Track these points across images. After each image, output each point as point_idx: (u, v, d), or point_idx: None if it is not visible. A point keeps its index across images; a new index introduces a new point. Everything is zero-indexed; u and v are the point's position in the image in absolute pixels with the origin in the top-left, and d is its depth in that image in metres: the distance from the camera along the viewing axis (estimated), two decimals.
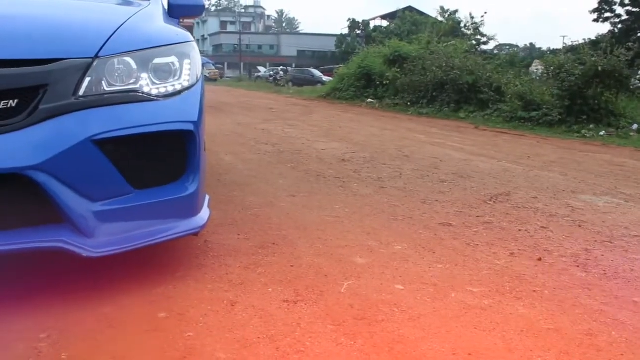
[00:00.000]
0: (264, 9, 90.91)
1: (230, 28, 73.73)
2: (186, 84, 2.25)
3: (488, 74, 12.78)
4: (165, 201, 2.14)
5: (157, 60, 2.20)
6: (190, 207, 2.23)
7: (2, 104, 1.88)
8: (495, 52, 24.64)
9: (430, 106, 13.12)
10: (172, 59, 2.26)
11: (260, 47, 70.54)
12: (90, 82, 2.01)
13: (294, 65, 49.88)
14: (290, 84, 31.79)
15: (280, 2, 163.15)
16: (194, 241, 2.61)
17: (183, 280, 2.22)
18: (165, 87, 2.19)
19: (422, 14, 47.83)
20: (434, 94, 13.34)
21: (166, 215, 2.16)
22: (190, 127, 2.18)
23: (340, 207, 3.51)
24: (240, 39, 62.28)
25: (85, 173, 1.95)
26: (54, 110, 1.92)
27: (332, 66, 39.32)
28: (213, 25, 72.24)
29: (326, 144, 6.54)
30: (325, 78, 32.44)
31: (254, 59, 62.68)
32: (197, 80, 2.33)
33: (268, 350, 1.73)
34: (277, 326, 1.88)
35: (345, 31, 53.29)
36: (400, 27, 43.96)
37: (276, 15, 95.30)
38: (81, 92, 1.98)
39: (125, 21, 2.31)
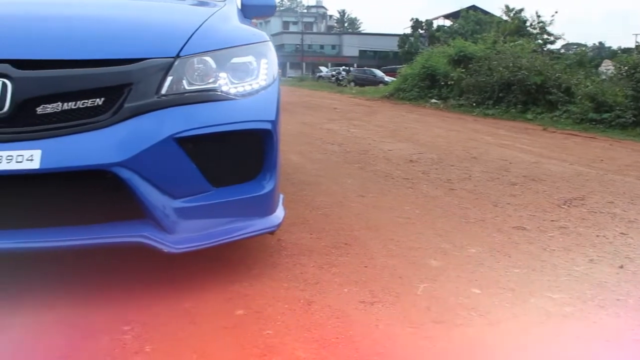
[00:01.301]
0: (326, 9, 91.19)
1: (292, 28, 74.28)
2: (263, 83, 2.26)
3: (557, 74, 12.43)
4: (242, 199, 2.16)
5: (235, 60, 2.22)
6: (267, 206, 2.25)
7: (89, 102, 1.93)
8: (562, 51, 23.94)
9: (496, 107, 12.87)
10: (250, 58, 2.27)
11: (322, 47, 70.78)
12: (172, 81, 2.04)
13: (355, 65, 49.82)
14: (352, 83, 31.77)
15: (343, 2, 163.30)
16: (267, 239, 2.63)
17: (258, 278, 2.23)
18: (243, 86, 2.20)
19: (485, 12, 47.00)
20: (500, 94, 13.07)
21: (243, 213, 2.18)
22: (268, 126, 2.20)
23: (411, 208, 3.48)
24: (302, 39, 62.66)
25: (167, 170, 1.99)
26: (138, 109, 1.96)
27: (394, 66, 39.14)
28: (275, 25, 72.88)
29: (392, 145, 6.49)
30: (387, 78, 32.28)
31: (315, 58, 62.91)
32: (274, 80, 2.34)
33: (347, 351, 1.72)
34: (354, 327, 1.87)
35: (408, 31, 52.87)
36: (464, 26, 43.35)
37: (338, 15, 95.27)
38: (163, 91, 2.02)
39: (204, 21, 2.34)
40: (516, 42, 16.58)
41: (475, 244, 2.82)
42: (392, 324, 1.91)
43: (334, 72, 38.59)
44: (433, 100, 15.45)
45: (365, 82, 31.72)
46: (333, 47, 71.54)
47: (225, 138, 2.11)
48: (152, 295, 2.04)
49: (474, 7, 49.43)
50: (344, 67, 43.73)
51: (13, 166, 1.81)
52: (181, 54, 2.09)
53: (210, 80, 2.14)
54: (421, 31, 50.35)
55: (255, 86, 2.23)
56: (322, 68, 49.45)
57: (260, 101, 2.23)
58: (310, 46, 67.66)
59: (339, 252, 2.58)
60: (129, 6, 2.61)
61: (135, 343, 1.72)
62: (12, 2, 2.52)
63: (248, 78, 2.23)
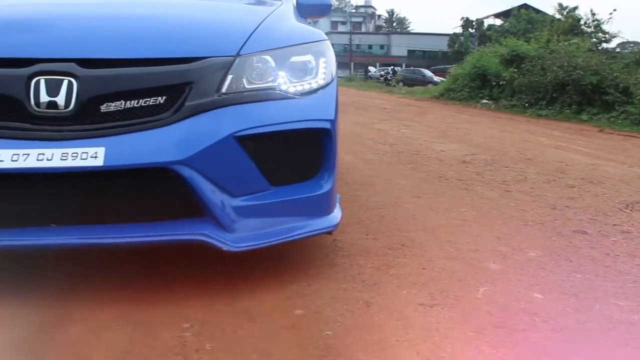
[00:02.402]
0: (374, 8, 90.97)
1: (340, 28, 74.30)
2: (322, 82, 2.25)
3: (614, 74, 12.07)
4: (300, 199, 2.15)
5: (294, 59, 2.22)
6: (325, 206, 2.23)
7: (151, 100, 1.95)
8: (618, 50, 23.24)
9: (550, 108, 12.57)
10: (309, 57, 2.26)
11: (370, 46, 70.61)
12: (232, 79, 2.05)
13: (403, 65, 49.55)
14: (400, 83, 31.57)
15: (391, 1, 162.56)
16: (324, 239, 2.61)
17: (316, 278, 2.22)
18: (302, 85, 2.20)
19: (538, 11, 46.10)
20: (554, 95, 12.77)
21: (301, 212, 2.17)
22: (327, 125, 2.18)
23: (467, 210, 3.42)
24: (350, 39, 62.59)
25: (227, 169, 1.99)
26: (199, 107, 1.97)
27: (443, 66, 38.75)
28: (324, 25, 72.96)
29: (444, 145, 6.41)
30: (436, 78, 32.00)
31: (364, 58, 62.75)
32: (332, 79, 2.32)
33: (408, 354, 1.69)
34: (415, 330, 1.84)
35: (458, 30, 52.28)
36: (515, 25, 42.59)
37: (386, 15, 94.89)
38: (224, 90, 2.03)
39: (263, 20, 2.34)
40: (571, 41, 16.19)
41: (535, 248, 2.75)
42: (453, 327, 1.87)
43: (382, 72, 38.45)
44: (484, 101, 15.21)
45: (413, 82, 31.47)
46: (381, 47, 71.29)
47: (284, 137, 2.10)
48: (210, 293, 2.05)
49: (525, 6, 48.54)
50: (392, 67, 43.55)
51: (78, 163, 1.84)
52: (241, 53, 2.09)
53: (270, 79, 2.13)
54: (471, 30, 49.69)
55: (314, 85, 2.22)
56: (371, 68, 49.34)
57: (319, 100, 2.22)
58: (358, 46, 67.55)
59: (395, 253, 2.55)
60: (189, 6, 2.63)
61: (196, 340, 1.73)
62: (76, 3, 2.57)
63: (307, 77, 2.22)
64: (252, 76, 2.10)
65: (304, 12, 3.29)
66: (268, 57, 2.15)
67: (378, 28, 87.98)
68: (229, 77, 2.04)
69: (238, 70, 2.07)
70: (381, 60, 62.34)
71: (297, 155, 2.17)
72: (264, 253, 2.14)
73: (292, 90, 2.16)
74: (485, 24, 50.77)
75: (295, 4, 3.22)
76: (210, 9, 2.64)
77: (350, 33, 66.22)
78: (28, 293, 2.03)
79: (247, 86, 2.08)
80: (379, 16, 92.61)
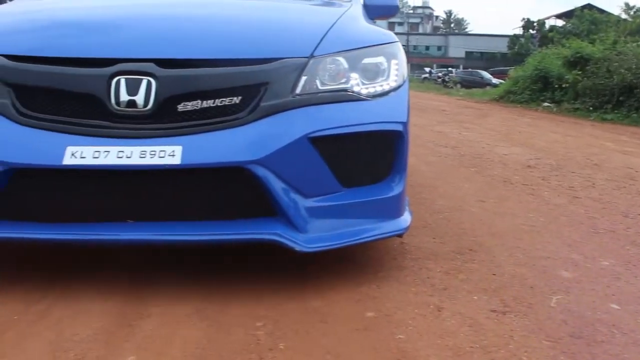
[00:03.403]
0: (432, 9, 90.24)
1: (397, 29, 73.84)
2: (394, 84, 2.24)
3: None
4: (371, 201, 2.15)
5: (366, 60, 2.21)
6: (395, 208, 2.22)
7: (227, 100, 1.98)
8: None
9: (616, 112, 12.19)
10: (381, 59, 2.26)
11: (427, 48, 70.03)
12: (306, 80, 2.06)
13: (461, 67, 48.96)
14: (458, 85, 31.22)
15: (449, 2, 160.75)
16: (391, 242, 2.60)
17: (385, 280, 2.21)
18: (374, 87, 2.19)
19: (602, 11, 44.90)
20: (621, 98, 12.37)
21: (372, 215, 2.17)
22: (399, 127, 2.18)
23: (534, 216, 3.34)
24: (407, 40, 62.18)
25: (301, 169, 2.01)
26: (274, 108, 1.99)
27: (502, 68, 38.11)
28: (381, 26, 72.62)
29: (507, 149, 6.29)
30: (494, 80, 31.48)
31: (421, 60, 62.24)
32: (404, 81, 2.32)
33: None
34: (488, 336, 1.81)
35: (518, 31, 51.32)
36: (578, 26, 41.57)
37: (444, 16, 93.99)
38: (298, 91, 2.04)
39: (336, 21, 2.35)
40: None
41: (608, 256, 2.67)
42: (527, 335, 1.83)
43: (440, 74, 38.07)
44: (546, 104, 14.88)
45: (471, 84, 31.06)
46: (439, 48, 70.61)
47: (357, 139, 2.11)
48: (281, 293, 2.06)
49: (589, 6, 47.26)
50: (449, 68, 43.08)
51: (156, 161, 1.88)
52: (315, 54, 2.11)
53: (342, 81, 2.14)
54: (532, 32, 48.70)
55: (386, 87, 2.22)
56: (428, 69, 48.91)
57: (392, 102, 2.22)
58: (415, 47, 67.06)
59: (464, 258, 2.51)
60: (262, 7, 2.66)
61: (269, 339, 1.74)
62: (152, 4, 2.63)
63: (379, 79, 2.22)
64: (325, 77, 2.11)
65: (372, 13, 3.28)
66: (341, 59, 2.16)
67: (435, 29, 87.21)
68: (303, 78, 2.06)
69: (312, 72, 2.08)
70: (438, 61, 61.74)
71: (368, 157, 2.17)
72: (330, 254, 2.15)
73: (364, 92, 2.16)
74: (547, 25, 49.68)
75: (363, 5, 3.22)
76: (283, 10, 2.66)
77: (408, 34, 65.81)
78: (105, 286, 2.08)
79: (320, 87, 2.09)
80: (437, 17, 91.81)
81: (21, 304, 1.96)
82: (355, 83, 2.15)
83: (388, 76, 2.24)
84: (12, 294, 2.02)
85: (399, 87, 2.26)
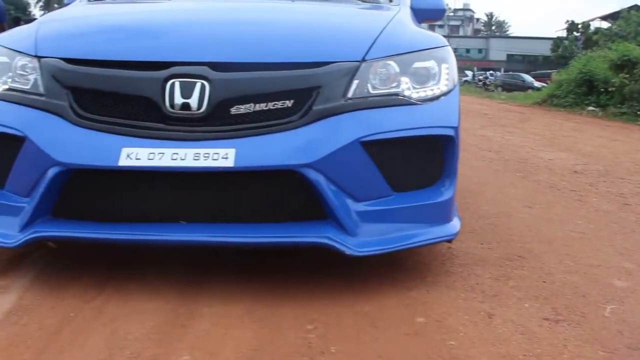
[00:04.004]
0: (473, 12, 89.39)
1: (437, 31, 72.46)
2: (444, 89, 2.23)
3: None
4: (421, 205, 2.14)
5: (416, 64, 2.21)
6: (445, 213, 2.21)
7: (279, 104, 2.00)
8: None
9: None
10: (431, 63, 2.25)
11: (468, 50, 69.28)
12: (357, 84, 2.07)
13: (502, 70, 48.33)
14: (499, 88, 30.85)
15: (491, 4, 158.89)
16: (438, 247, 2.58)
17: (434, 285, 2.19)
18: (425, 91, 2.19)
19: None
20: None
21: (422, 219, 2.16)
22: (450, 132, 2.16)
23: (583, 223, 3.29)
24: (448, 43, 61.57)
25: (352, 173, 2.01)
26: (326, 112, 2.00)
27: (544, 71, 37.54)
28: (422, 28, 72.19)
29: (552, 154, 6.19)
30: (536, 83, 31.01)
31: (461, 62, 61.45)
32: (455, 85, 2.30)
33: None
34: (541, 345, 1.78)
35: (561, 34, 50.46)
36: (625, 28, 40.58)
37: (485, 18, 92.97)
38: (349, 95, 2.05)
39: (386, 26, 2.35)
40: None
41: None
42: (582, 345, 1.80)
43: (480, 77, 37.70)
44: (590, 108, 14.58)
45: (513, 87, 30.64)
46: (479, 50, 69.86)
47: (407, 143, 2.11)
48: (331, 296, 2.07)
49: (636, 7, 46.15)
50: (490, 71, 42.62)
51: (210, 163, 1.91)
52: (366, 58, 2.11)
53: (393, 85, 2.14)
54: (576, 34, 47.80)
55: (437, 91, 2.21)
56: (468, 72, 48.45)
57: (442, 107, 2.21)
58: (456, 50, 65.37)
59: (513, 264, 2.48)
60: (313, 11, 2.68)
61: (320, 342, 1.75)
62: (203, 8, 2.67)
63: (429, 83, 2.21)
64: (376, 81, 2.12)
65: (419, 16, 3.27)
66: (392, 63, 2.16)
67: (476, 32, 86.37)
68: (355, 82, 2.06)
69: (363, 76, 2.09)
70: (479, 64, 61.03)
71: (419, 161, 2.17)
72: (377, 257, 2.14)
73: (415, 96, 2.15)
74: (592, 27, 48.70)
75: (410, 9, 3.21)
76: (334, 14, 2.67)
77: (448, 37, 65.24)
78: (157, 286, 2.11)
79: (371, 91, 2.09)
80: (478, 19, 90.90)
81: (77, 301, 2.00)
82: (406, 87, 2.15)
83: (439, 80, 2.23)
84: (69, 291, 2.07)
85: (449, 91, 2.25)
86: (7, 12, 8.22)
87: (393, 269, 2.33)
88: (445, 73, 2.26)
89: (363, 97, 2.07)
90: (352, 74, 2.07)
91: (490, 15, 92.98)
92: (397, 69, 2.15)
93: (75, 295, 2.05)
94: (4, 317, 1.89)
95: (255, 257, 2.40)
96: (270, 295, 2.06)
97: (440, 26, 73.29)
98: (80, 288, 2.10)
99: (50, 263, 2.35)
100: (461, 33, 79.18)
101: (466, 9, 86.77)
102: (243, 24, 2.35)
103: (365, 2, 3.07)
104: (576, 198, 3.98)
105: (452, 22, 79.44)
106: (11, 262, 2.34)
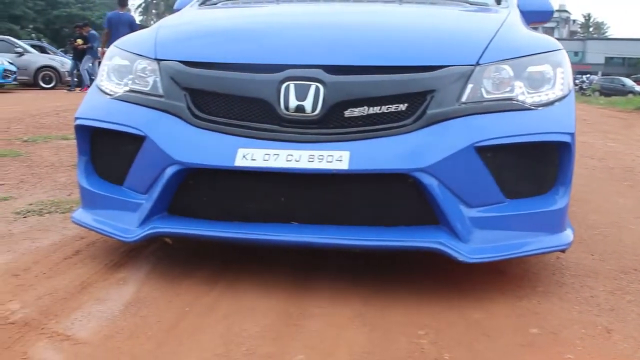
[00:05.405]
0: (569, 13, 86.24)
1: None
2: (560, 94, 2.17)
3: None
4: (534, 213, 2.09)
5: (531, 69, 2.16)
6: (558, 222, 2.15)
7: (393, 107, 2.00)
8: None
9: None
10: (546, 67, 2.19)
11: None
12: (471, 89, 2.05)
13: (599, 74, 46.45)
14: (597, 93, 29.68)
15: (588, 5, 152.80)
16: (546, 256, 2.50)
17: (546, 296, 2.13)
18: (539, 96, 2.13)
19: None
20: None
21: (534, 228, 2.11)
22: (567, 138, 2.09)
23: None
24: None
25: (465, 178, 1.99)
26: (440, 116, 1.99)
27: None
28: None
29: None
30: (637, 87, 29.65)
31: None
32: (570, 90, 2.23)
33: None
34: None
35: None
36: None
37: (582, 20, 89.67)
38: (463, 99, 2.03)
39: (499, 29, 2.31)
40: None
41: None
42: None
43: (577, 81, 36.40)
44: None
45: (612, 91, 29.47)
46: (575, 53, 67.29)
47: (522, 149, 2.06)
48: (440, 301, 2.05)
49: None
50: (587, 75, 41.07)
51: (324, 165, 1.93)
52: (480, 62, 2.09)
53: (507, 90, 2.10)
54: None
55: (552, 96, 2.15)
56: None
57: (558, 112, 2.14)
58: None
59: (629, 277, 2.38)
60: (424, 14, 2.66)
61: (433, 349, 1.73)
62: (317, 12, 2.70)
63: (544, 87, 2.15)
64: (490, 86, 2.09)
65: (527, 19, 3.19)
66: (506, 67, 2.12)
67: (572, 33, 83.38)
68: (469, 86, 2.04)
69: (477, 80, 2.06)
70: (575, 68, 58.20)
71: (533, 168, 2.12)
72: (486, 264, 2.11)
73: (529, 101, 2.11)
74: None
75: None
76: (445, 17, 2.64)
77: None
78: (268, 284, 2.16)
79: (485, 96, 2.06)
80: (574, 21, 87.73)
81: (190, 296, 2.07)
82: (520, 92, 2.11)
83: (554, 85, 2.17)
84: (182, 286, 2.15)
85: (565, 96, 2.19)
86: None
87: (501, 277, 2.29)
88: (561, 77, 2.20)
89: (477, 102, 2.05)
90: (467, 77, 2.04)
91: (587, 16, 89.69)
92: (511, 73, 2.11)
93: (188, 290, 2.12)
94: (125, 307, 1.98)
95: (359, 260, 2.40)
96: (378, 299, 2.06)
97: (534, 28, 71.21)
98: (192, 284, 2.17)
99: (162, 258, 2.45)
100: (556, 35, 76.52)
101: (562, 10, 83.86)
102: (355, 27, 2.37)
103: (472, 4, 3.02)
104: None
105: (547, 24, 77.01)
106: (127, 256, 2.45)
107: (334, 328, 1.85)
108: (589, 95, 29.18)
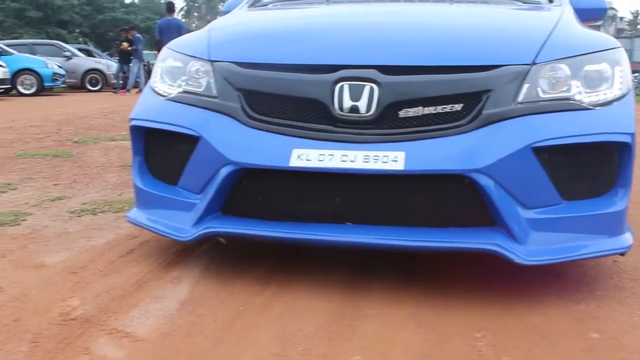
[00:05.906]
0: (615, 10, 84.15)
1: None
2: (618, 93, 2.12)
3: None
4: (592, 215, 2.05)
5: (588, 67, 2.12)
6: (617, 225, 2.10)
7: (448, 107, 1.98)
8: None
9: None
10: (604, 65, 2.15)
11: None
12: (528, 88, 2.02)
13: None
14: None
15: (636, 1, 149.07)
16: (603, 260, 2.45)
17: (604, 300, 2.08)
18: (597, 95, 2.09)
19: None
20: None
21: (592, 230, 2.06)
22: (627, 139, 2.04)
23: None
24: None
25: (522, 179, 1.96)
26: (496, 116, 1.96)
27: None
28: None
29: None
30: None
31: None
32: (629, 90, 2.18)
33: None
34: None
35: None
36: None
37: (630, 17, 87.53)
38: (520, 99, 2.00)
39: (554, 27, 2.27)
40: None
41: None
42: None
43: None
44: None
45: None
46: None
47: (579, 150, 2.02)
48: (496, 304, 2.02)
49: None
50: (636, 73, 40.04)
51: (379, 166, 1.92)
52: (536, 61, 2.05)
53: (564, 89, 2.06)
54: None
55: (610, 95, 2.10)
56: None
57: (617, 112, 2.09)
58: None
59: None
60: (477, 14, 2.63)
61: (491, 352, 1.71)
62: (370, 12, 2.70)
63: (602, 86, 2.11)
64: (546, 85, 2.05)
65: (580, 16, 3.12)
66: (563, 66, 2.08)
67: (619, 31, 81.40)
68: (525, 85, 2.01)
69: (533, 79, 2.03)
70: None
71: (590, 169, 2.07)
72: (542, 267, 2.07)
73: (586, 100, 2.06)
74: None
75: None
76: (499, 16, 2.61)
77: None
78: (321, 285, 2.16)
79: (542, 96, 2.03)
80: (621, 18, 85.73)
81: (244, 296, 2.09)
82: (577, 91, 2.07)
83: (612, 84, 2.12)
84: (236, 285, 2.17)
85: (623, 95, 2.13)
86: None
87: (557, 280, 2.25)
88: (619, 76, 2.15)
89: (533, 102, 2.01)
90: (523, 77, 2.01)
91: (636, 13, 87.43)
92: (568, 72, 2.07)
93: (242, 289, 2.14)
94: (181, 306, 2.01)
95: (410, 262, 2.39)
96: (430, 301, 2.04)
97: None
98: (245, 283, 2.19)
99: (214, 257, 2.47)
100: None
101: (609, 8, 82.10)
102: (408, 27, 2.36)
103: (525, 2, 2.98)
104: None
105: (593, 23, 75.38)
106: (180, 255, 2.49)
107: (389, 329, 1.84)
108: (637, 94, 28.45)
